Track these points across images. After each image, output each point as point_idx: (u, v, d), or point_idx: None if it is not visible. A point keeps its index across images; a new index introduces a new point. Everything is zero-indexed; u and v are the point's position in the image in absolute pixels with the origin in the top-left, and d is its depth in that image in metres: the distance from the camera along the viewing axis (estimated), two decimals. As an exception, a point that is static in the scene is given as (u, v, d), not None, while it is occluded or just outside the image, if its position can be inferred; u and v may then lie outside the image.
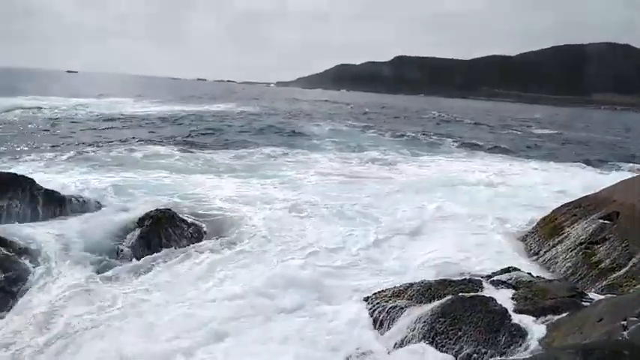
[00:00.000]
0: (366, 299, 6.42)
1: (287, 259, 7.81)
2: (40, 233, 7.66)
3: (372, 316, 6.00)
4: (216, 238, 8.58)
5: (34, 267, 6.84)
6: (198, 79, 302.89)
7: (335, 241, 8.81)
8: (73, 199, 9.29)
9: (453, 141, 27.34)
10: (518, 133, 38.71)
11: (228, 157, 17.69)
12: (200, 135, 23.71)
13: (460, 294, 5.57)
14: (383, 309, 5.96)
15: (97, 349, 5.14)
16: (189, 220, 9.05)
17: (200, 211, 9.83)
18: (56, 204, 8.95)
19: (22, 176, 9.01)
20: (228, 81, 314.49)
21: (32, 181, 8.95)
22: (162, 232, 8.16)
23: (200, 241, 8.46)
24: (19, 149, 16.88)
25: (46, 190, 9.02)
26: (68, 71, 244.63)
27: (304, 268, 7.29)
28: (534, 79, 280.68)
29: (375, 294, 6.51)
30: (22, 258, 6.89)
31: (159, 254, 7.67)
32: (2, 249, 6.78)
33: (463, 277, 6.75)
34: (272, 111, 44.59)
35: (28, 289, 6.38)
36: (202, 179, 13.43)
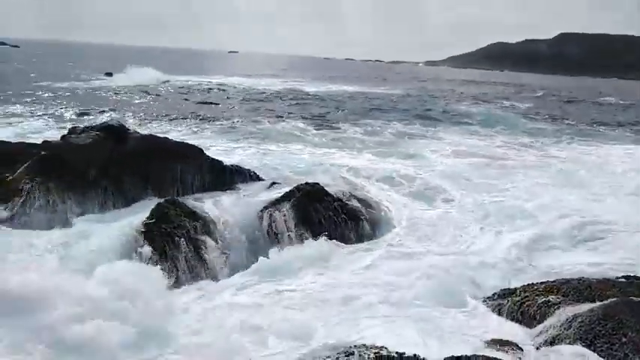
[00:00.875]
0: (513, 292, 6.10)
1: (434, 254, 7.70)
2: (208, 206, 8.08)
3: (519, 309, 5.69)
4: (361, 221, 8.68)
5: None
6: (347, 59, 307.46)
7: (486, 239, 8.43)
8: (233, 169, 9.95)
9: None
10: None
11: (371, 136, 17.91)
12: (340, 112, 24.40)
13: (630, 297, 5.01)
14: (533, 303, 5.61)
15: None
16: (336, 196, 9.24)
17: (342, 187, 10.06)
18: (220, 174, 9.53)
19: (194, 146, 9.92)
20: (375, 60, 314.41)
21: (201, 150, 9.78)
22: (312, 206, 8.39)
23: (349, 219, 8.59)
24: (172, 117, 19.01)
25: (212, 159, 9.79)
26: (230, 52, 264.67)
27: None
28: None
29: (523, 286, 6.15)
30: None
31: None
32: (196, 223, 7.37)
33: (630, 280, 6.07)
34: (419, 92, 43.74)
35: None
36: (339, 154, 13.97)
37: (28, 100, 21.55)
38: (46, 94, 24.06)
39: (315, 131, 17.98)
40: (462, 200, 10.44)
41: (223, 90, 33.95)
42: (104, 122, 9.89)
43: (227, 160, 10.45)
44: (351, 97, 33.98)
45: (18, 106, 19.41)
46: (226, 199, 8.59)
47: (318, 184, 9.17)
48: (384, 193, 10.53)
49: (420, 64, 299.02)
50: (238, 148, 13.84)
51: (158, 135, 10.67)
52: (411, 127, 20.49)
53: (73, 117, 18.04)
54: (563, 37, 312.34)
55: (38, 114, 17.80)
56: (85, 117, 17.95)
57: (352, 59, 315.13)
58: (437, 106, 29.99)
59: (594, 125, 25.77)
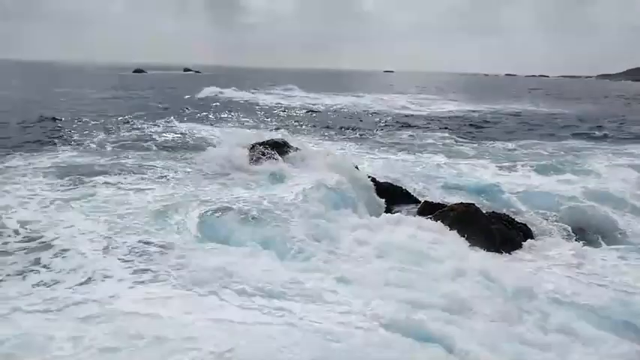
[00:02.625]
0: None
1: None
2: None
3: None
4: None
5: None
6: (507, 75, 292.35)
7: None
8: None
9: None
10: None
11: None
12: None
13: None
14: None
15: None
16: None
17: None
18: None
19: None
20: (540, 76, 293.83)
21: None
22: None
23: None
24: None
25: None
26: (385, 71, 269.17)
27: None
28: None
29: None
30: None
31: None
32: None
33: None
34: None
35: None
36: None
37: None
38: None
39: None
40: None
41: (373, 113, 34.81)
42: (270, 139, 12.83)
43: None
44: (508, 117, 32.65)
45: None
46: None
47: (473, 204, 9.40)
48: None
49: (592, 78, 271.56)
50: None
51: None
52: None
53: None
54: None
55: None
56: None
57: (514, 74, 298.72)
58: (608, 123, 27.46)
59: None
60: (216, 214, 8.15)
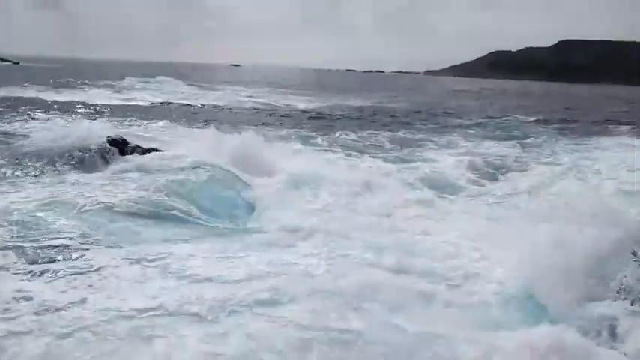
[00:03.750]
0: None
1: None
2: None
3: None
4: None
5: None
6: (348, 70, 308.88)
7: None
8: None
9: None
10: None
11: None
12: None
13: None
14: None
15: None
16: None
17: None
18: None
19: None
20: (377, 71, 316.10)
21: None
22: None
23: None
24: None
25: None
26: (232, 64, 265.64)
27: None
28: None
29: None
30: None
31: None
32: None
33: None
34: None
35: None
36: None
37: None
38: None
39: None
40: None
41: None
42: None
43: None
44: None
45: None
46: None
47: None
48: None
49: (420, 74, 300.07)
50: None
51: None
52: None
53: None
54: (564, 44, 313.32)
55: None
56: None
57: (354, 70, 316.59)
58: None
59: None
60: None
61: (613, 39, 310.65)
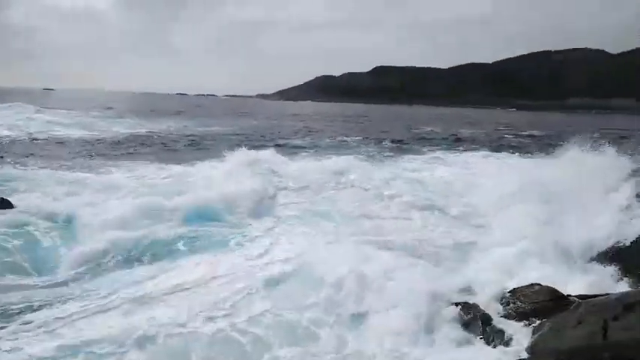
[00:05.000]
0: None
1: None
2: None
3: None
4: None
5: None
6: (179, 94, 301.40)
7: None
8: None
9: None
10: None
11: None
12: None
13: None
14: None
15: None
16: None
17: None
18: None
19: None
20: (209, 95, 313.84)
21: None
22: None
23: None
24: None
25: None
26: (45, 89, 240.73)
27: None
28: (513, 85, 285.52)
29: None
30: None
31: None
32: None
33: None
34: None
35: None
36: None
37: None
38: None
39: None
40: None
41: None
42: None
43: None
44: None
45: None
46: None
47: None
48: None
49: (253, 97, 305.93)
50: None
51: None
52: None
53: None
54: (379, 70, 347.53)
55: None
56: None
57: (185, 94, 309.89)
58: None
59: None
60: None
61: (417, 65, 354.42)
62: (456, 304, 5.77)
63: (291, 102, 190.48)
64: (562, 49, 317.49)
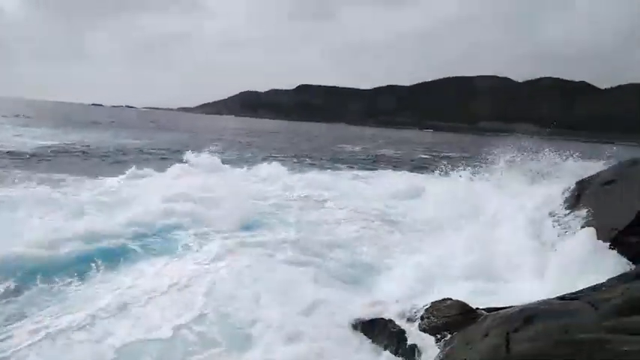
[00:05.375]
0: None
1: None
2: None
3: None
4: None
5: None
6: (94, 104, 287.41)
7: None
8: None
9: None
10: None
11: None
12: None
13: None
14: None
15: None
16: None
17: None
18: None
19: None
20: (127, 106, 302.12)
21: None
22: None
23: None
24: None
25: None
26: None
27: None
28: (429, 107, 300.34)
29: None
30: None
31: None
32: None
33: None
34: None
35: None
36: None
37: None
38: None
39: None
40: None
41: None
42: None
43: None
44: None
45: None
46: None
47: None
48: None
49: (175, 110, 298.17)
50: None
51: None
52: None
53: None
54: (302, 88, 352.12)
55: None
56: None
57: (100, 104, 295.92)
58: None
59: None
60: None
61: (340, 85, 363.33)
62: (371, 321, 5.84)
63: (216, 115, 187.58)
64: (472, 75, 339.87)
